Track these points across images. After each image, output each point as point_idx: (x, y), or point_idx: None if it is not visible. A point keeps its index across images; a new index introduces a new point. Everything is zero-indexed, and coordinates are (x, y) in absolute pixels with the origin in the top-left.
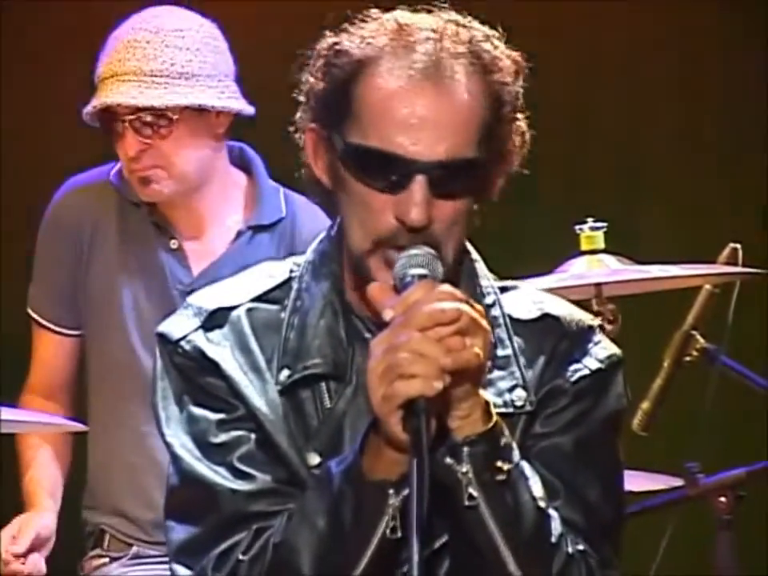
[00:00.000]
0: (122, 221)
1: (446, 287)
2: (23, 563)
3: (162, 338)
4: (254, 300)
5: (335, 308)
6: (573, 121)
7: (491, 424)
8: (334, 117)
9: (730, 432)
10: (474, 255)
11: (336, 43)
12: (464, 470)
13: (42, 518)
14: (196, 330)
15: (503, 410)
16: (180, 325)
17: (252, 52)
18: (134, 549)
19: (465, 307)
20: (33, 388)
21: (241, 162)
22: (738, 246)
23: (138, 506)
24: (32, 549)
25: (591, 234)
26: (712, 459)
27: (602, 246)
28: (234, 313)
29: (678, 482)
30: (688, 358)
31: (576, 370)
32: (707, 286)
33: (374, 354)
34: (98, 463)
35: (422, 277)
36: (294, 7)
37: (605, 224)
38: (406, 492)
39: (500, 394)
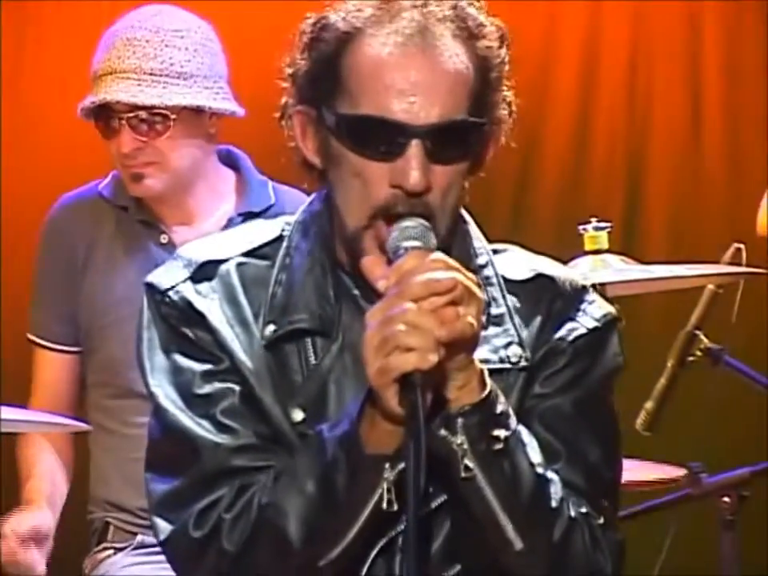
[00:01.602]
0: (115, 229)
1: (439, 255)
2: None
3: (150, 287)
4: (244, 255)
5: (324, 265)
6: (575, 120)
7: (485, 393)
8: (322, 92)
9: (734, 432)
10: (467, 218)
11: (321, 18)
12: (459, 441)
13: (41, 514)
14: (185, 281)
15: (499, 365)
16: (169, 275)
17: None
18: (139, 537)
19: (459, 276)
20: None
21: (229, 161)
22: (742, 245)
23: (139, 498)
24: (31, 540)
25: (595, 234)
26: (715, 459)
27: (605, 246)
28: (224, 266)
29: (680, 471)
30: (692, 358)
31: (572, 329)
32: (711, 286)
33: (369, 326)
34: (98, 464)
35: (415, 249)
36: (280, 6)
37: (609, 224)
38: (401, 466)
39: (495, 350)
